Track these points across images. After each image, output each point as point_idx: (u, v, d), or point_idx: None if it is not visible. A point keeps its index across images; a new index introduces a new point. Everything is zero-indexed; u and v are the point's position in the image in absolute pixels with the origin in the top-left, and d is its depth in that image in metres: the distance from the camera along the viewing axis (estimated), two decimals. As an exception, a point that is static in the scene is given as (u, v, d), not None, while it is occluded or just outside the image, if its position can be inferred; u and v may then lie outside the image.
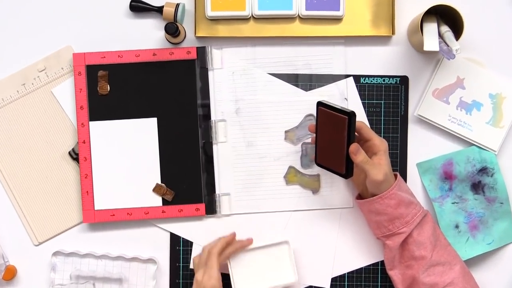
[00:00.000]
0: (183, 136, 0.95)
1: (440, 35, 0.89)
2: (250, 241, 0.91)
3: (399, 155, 0.97)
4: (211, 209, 0.95)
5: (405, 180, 0.97)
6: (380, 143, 0.86)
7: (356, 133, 0.87)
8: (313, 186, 0.96)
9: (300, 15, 0.94)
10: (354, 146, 0.85)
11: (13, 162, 0.96)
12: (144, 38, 0.96)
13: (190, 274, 0.95)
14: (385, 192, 0.85)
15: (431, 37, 0.87)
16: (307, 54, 0.95)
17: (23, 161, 0.96)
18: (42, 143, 0.96)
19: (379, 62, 0.97)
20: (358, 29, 0.94)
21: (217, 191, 0.96)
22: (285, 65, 0.96)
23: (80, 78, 0.95)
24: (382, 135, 0.97)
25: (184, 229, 0.96)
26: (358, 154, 0.85)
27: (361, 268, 0.94)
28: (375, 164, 0.85)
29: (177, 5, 0.93)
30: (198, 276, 0.86)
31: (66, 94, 0.96)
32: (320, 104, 0.85)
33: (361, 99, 0.96)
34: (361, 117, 0.96)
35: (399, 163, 0.97)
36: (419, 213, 0.87)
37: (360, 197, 0.91)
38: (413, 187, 0.95)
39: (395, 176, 0.88)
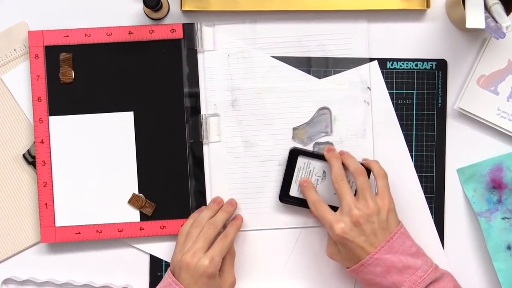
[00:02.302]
0: (166, 134, 0.93)
1: (487, 9, 0.87)
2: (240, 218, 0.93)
3: (435, 159, 0.94)
4: (201, 226, 0.93)
5: (443, 190, 0.94)
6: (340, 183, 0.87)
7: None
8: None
9: (312, -17, 0.91)
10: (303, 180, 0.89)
11: (-47, 167, 0.94)
12: (118, 12, 0.94)
13: (175, 307, 0.92)
14: (367, 258, 0.82)
15: (475, 11, 0.85)
16: (321, 32, 0.93)
17: (-34, 165, 0.94)
18: (-10, 143, 0.94)
19: (411, 42, 0.95)
20: (384, 1, 0.93)
21: (208, 202, 0.93)
22: (293, 46, 0.94)
23: (38, 62, 0.92)
24: (413, 133, 0.93)
25: (167, 251, 0.94)
26: (306, 190, 0.88)
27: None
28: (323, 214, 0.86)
29: (159, -30, 0.90)
30: (188, 257, 0.85)
31: (19, 82, 0.95)
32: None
33: (388, 88, 0.94)
34: (388, 111, 0.93)
35: (435, 169, 0.94)
36: (422, 279, 0.82)
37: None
38: (453, 198, 0.94)
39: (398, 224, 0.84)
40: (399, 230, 0.84)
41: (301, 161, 0.90)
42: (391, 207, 0.84)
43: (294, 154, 0.90)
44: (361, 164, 0.87)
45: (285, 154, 0.92)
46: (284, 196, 0.91)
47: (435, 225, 0.93)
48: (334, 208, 0.86)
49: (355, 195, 0.86)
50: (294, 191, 0.91)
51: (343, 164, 0.87)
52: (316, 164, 0.90)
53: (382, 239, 0.83)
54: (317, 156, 0.90)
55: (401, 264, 0.82)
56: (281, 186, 0.91)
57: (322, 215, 0.85)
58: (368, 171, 0.87)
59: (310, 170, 0.90)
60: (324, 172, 0.90)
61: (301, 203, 0.90)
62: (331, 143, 0.92)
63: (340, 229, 0.83)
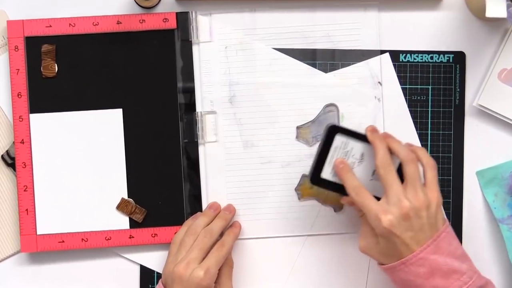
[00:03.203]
0: (159, 133, 0.93)
1: (510, -4, 0.85)
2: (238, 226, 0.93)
3: (452, 160, 0.93)
4: (196, 233, 0.93)
5: (461, 195, 0.93)
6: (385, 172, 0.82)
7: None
8: (336, 201, 0.94)
9: (317, -32, 0.91)
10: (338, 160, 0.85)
11: None
12: (105, 0, 0.94)
13: (168, 322, 0.93)
14: (410, 256, 0.79)
15: (496, -1, 0.84)
16: (328, 22, 0.93)
17: None
18: (-35, 143, 0.93)
19: (425, 33, 0.94)
20: (397, -12, 0.92)
21: (204, 208, 0.93)
22: (297, 37, 0.93)
23: (17, 54, 0.92)
24: (429, 132, 0.93)
25: (159, 261, 0.94)
26: (344, 173, 0.84)
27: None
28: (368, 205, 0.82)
29: (150, -46, 0.90)
30: (181, 268, 0.84)
31: (-3, 77, 0.95)
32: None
33: (401, 83, 0.94)
34: (401, 108, 0.93)
35: (452, 171, 0.93)
36: (467, 286, 0.79)
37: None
38: (472, 204, 0.93)
39: (443, 222, 0.82)
40: (446, 228, 0.81)
41: (338, 139, 0.85)
42: (440, 202, 0.81)
43: (332, 131, 0.86)
44: None
45: (288, 155, 0.92)
46: (317, 178, 0.86)
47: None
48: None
49: None
50: (326, 173, 0.86)
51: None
52: (355, 145, 0.85)
53: (429, 236, 0.80)
54: (358, 135, 0.86)
55: (446, 267, 0.79)
56: (313, 165, 0.86)
57: (365, 204, 0.81)
58: None
59: (348, 151, 0.85)
60: (362, 154, 0.85)
61: (333, 187, 0.86)
62: None
63: (388, 222, 0.79)
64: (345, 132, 0.86)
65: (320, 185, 0.87)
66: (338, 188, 0.85)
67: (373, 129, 0.84)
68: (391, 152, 0.83)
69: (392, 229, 0.79)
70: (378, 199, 0.81)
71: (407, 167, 0.81)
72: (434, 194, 0.81)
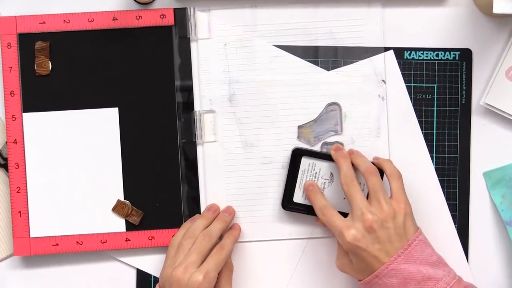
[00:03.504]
0: (156, 133, 0.93)
1: (518, -9, 0.83)
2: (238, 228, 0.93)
3: (459, 161, 0.93)
4: (194, 236, 0.93)
5: (467, 197, 0.93)
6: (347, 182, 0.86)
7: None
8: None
9: (320, -38, 0.90)
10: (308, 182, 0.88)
11: None
12: None
13: (165, 328, 0.92)
14: (382, 268, 0.80)
15: (504, -6, 0.82)
16: (330, 18, 0.93)
17: None
18: (-44, 143, 0.92)
19: (431, 29, 0.94)
20: (402, -17, 0.91)
21: (202, 210, 0.93)
22: (299, 34, 0.93)
23: (10, 52, 0.92)
24: (434, 132, 0.93)
25: (156, 265, 0.93)
26: (312, 195, 0.87)
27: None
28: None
29: None
30: (179, 272, 0.83)
31: (-11, 75, 0.94)
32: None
33: (405, 81, 0.93)
34: (405, 107, 0.93)
35: (458, 173, 0.93)
36: None
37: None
38: (479, 206, 0.93)
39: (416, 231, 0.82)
40: (417, 237, 0.82)
41: (305, 162, 0.88)
42: (408, 211, 0.82)
43: (296, 155, 0.88)
44: (372, 163, 0.85)
45: (288, 156, 0.91)
46: (288, 203, 0.88)
47: (459, 235, 0.92)
48: (345, 215, 0.83)
49: (367, 198, 0.83)
50: (298, 197, 0.88)
51: (352, 164, 0.85)
52: (322, 165, 0.88)
53: (398, 247, 0.81)
54: (323, 156, 0.88)
55: (420, 275, 0.79)
56: (283, 191, 0.89)
57: (330, 221, 0.83)
58: (381, 172, 0.85)
59: (316, 173, 0.88)
60: (331, 174, 0.88)
61: (307, 210, 0.88)
62: (341, 143, 0.90)
63: (352, 236, 0.80)
64: (310, 154, 0.89)
65: (293, 209, 0.90)
66: (311, 211, 0.87)
67: (337, 148, 0.87)
68: (355, 168, 0.85)
69: (357, 243, 0.80)
70: None
71: (368, 180, 0.83)
72: (400, 204, 0.82)
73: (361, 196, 0.82)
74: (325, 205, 0.84)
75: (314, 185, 0.86)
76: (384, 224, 0.80)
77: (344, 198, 0.86)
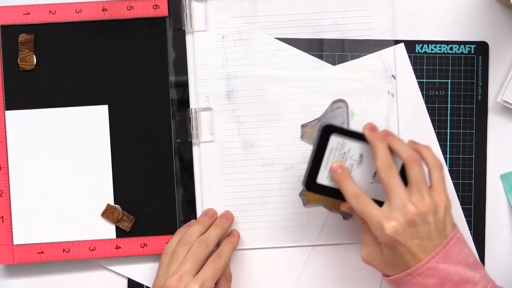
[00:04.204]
0: (148, 132, 0.92)
1: (538, -20, 0.83)
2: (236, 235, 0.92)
3: (474, 162, 0.92)
4: (190, 243, 0.93)
5: (484, 201, 0.92)
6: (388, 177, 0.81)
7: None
8: (345, 207, 0.94)
9: None
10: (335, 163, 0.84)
11: None
12: None
13: None
14: (417, 266, 0.78)
15: (523, -17, 0.81)
16: (336, 8, 0.92)
17: None
18: None
19: (445, 21, 0.93)
20: (413, -29, 0.92)
21: (198, 215, 0.92)
22: (303, 25, 0.92)
23: None
24: (448, 131, 0.92)
25: (148, 274, 0.93)
26: (342, 179, 0.83)
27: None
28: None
29: None
30: (173, 282, 0.82)
31: (-32, 70, 0.95)
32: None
33: (417, 77, 0.92)
34: (417, 104, 0.92)
35: (474, 174, 0.92)
36: None
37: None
38: (496, 210, 0.92)
39: (453, 229, 0.80)
40: (456, 234, 0.79)
41: (334, 140, 0.84)
42: (448, 205, 0.80)
43: (326, 132, 0.84)
44: None
45: (292, 157, 0.90)
46: (312, 183, 0.85)
47: (474, 241, 0.91)
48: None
49: None
50: (323, 178, 0.84)
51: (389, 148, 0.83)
52: (352, 145, 0.84)
53: (437, 243, 0.78)
54: (354, 135, 0.84)
55: (458, 277, 0.77)
56: (307, 170, 0.85)
57: (366, 211, 0.79)
58: None
59: (345, 152, 0.84)
60: (361, 155, 0.84)
61: (331, 193, 0.84)
62: None
63: (392, 228, 0.77)
64: (341, 132, 0.85)
65: (316, 191, 0.87)
66: (337, 194, 0.84)
67: (372, 127, 0.83)
68: (392, 152, 0.82)
69: (397, 237, 0.77)
70: (381, 203, 0.80)
71: (411, 169, 0.80)
72: (441, 197, 0.80)
73: (401, 185, 0.79)
74: (358, 192, 0.81)
75: (343, 167, 0.83)
76: (426, 218, 0.78)
77: (372, 183, 0.83)
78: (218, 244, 0.88)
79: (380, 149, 0.80)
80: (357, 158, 0.84)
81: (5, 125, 0.90)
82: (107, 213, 0.90)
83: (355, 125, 0.90)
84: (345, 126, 0.90)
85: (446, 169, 0.89)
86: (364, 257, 0.82)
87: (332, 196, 0.84)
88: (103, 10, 0.89)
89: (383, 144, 0.81)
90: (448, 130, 0.92)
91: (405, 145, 0.82)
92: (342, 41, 0.92)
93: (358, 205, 0.80)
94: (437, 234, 0.79)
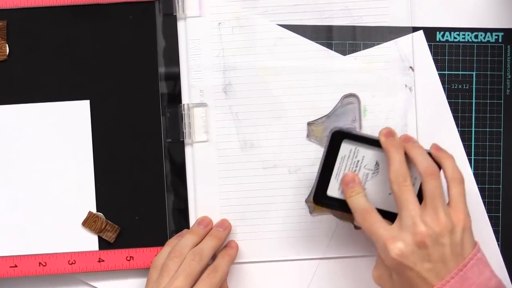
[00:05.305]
0: (135, 131, 0.90)
1: None
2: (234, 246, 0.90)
3: (502, 165, 0.90)
4: (182, 256, 0.92)
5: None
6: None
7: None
8: (356, 216, 0.92)
9: None
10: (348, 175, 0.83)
11: None
12: None
13: None
14: None
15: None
16: None
17: None
18: None
19: (469, 5, 0.90)
20: (434, -51, 0.91)
21: (192, 224, 0.90)
22: (309, 11, 0.90)
23: None
24: (473, 129, 0.90)
25: None
26: (351, 193, 0.82)
27: None
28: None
29: None
30: None
31: None
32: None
33: (438, 68, 0.90)
34: (438, 99, 0.90)
35: (502, 179, 0.90)
36: None
37: None
38: None
39: (474, 245, 0.78)
40: (475, 255, 0.77)
41: (346, 147, 0.82)
42: (468, 225, 0.77)
43: (336, 138, 0.82)
44: (429, 155, 0.80)
45: (297, 159, 0.88)
46: (322, 197, 0.83)
47: (502, 254, 0.89)
48: (392, 216, 0.78)
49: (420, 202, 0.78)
50: (334, 190, 0.82)
51: (406, 156, 0.80)
52: (366, 153, 0.82)
53: (452, 267, 0.76)
54: (369, 141, 0.82)
55: None
56: (316, 181, 0.83)
57: (372, 230, 0.78)
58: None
59: (358, 161, 0.82)
60: (377, 163, 0.82)
61: (341, 207, 0.82)
62: None
63: (398, 251, 0.75)
64: (354, 138, 0.84)
65: (327, 205, 0.86)
66: (347, 207, 0.82)
67: (388, 133, 0.81)
68: (408, 160, 0.80)
69: (403, 261, 0.75)
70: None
71: (426, 183, 0.78)
72: (459, 216, 0.77)
73: (414, 200, 0.77)
74: (367, 208, 0.79)
75: (356, 181, 0.81)
76: (439, 239, 0.75)
77: (391, 194, 0.81)
78: (213, 257, 0.87)
79: (395, 158, 0.79)
80: (372, 167, 0.82)
81: (-26, 123, 0.87)
82: (89, 222, 0.89)
83: (368, 123, 0.89)
84: (356, 124, 0.89)
85: (472, 183, 0.87)
86: (375, 279, 0.82)
87: (345, 210, 0.82)
88: (85, -6, 0.86)
89: (399, 153, 0.79)
90: (473, 129, 0.90)
91: (423, 154, 0.80)
92: (353, 28, 0.90)
93: (365, 223, 0.79)
94: (453, 257, 0.77)
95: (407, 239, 0.76)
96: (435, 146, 0.83)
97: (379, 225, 0.78)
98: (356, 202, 0.80)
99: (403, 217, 0.78)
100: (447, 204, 0.80)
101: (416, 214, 0.77)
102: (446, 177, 0.80)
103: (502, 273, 0.89)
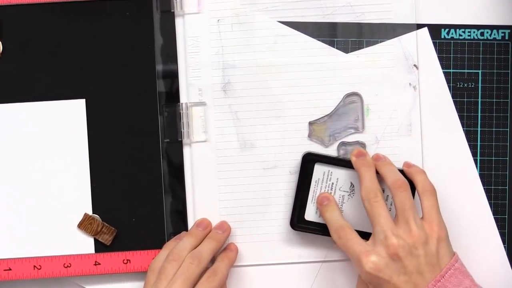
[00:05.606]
0: (132, 131, 0.89)
1: None
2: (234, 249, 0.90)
3: (508, 164, 0.89)
4: (180, 259, 0.91)
5: None
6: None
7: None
8: (359, 219, 0.92)
9: None
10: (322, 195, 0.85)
11: None
12: None
13: None
14: None
15: None
16: None
17: None
18: None
19: (474, 2, 0.90)
20: None
21: (190, 227, 0.89)
22: (310, 7, 0.90)
23: None
24: (478, 129, 0.90)
25: None
26: (325, 211, 0.83)
27: None
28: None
29: None
30: None
31: None
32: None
33: (442, 66, 0.89)
34: (443, 98, 0.90)
35: (508, 179, 0.89)
36: None
37: None
38: None
39: (453, 256, 0.80)
40: (452, 265, 0.77)
41: (319, 170, 0.84)
42: (442, 235, 0.78)
43: (308, 161, 0.84)
44: (402, 172, 0.81)
45: (298, 159, 0.86)
46: (298, 222, 0.84)
47: (509, 256, 0.89)
48: (369, 236, 0.78)
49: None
50: (311, 214, 0.84)
51: (377, 173, 0.80)
52: (340, 174, 0.83)
53: (429, 278, 0.76)
54: (341, 162, 0.84)
55: None
56: (292, 207, 0.84)
57: (347, 246, 0.79)
58: (412, 185, 0.81)
59: (333, 183, 0.83)
60: (351, 184, 0.83)
61: (321, 230, 0.83)
62: (362, 144, 0.88)
63: (371, 264, 0.76)
64: (326, 160, 0.86)
65: (304, 229, 0.87)
66: (327, 231, 0.84)
67: (359, 153, 0.85)
68: (380, 178, 0.85)
69: (378, 274, 0.76)
70: None
71: (396, 196, 0.80)
72: (433, 227, 0.79)
73: (385, 215, 0.78)
74: (341, 225, 0.80)
75: (330, 199, 0.82)
76: (412, 251, 0.76)
77: None
78: (212, 260, 0.87)
79: (366, 176, 0.81)
80: (347, 189, 0.84)
81: (-34, 123, 0.86)
82: (85, 224, 0.88)
83: (371, 122, 0.88)
84: (359, 124, 0.88)
85: (478, 184, 0.86)
86: None
87: (325, 233, 0.83)
88: (79, -11, 0.85)
89: (369, 170, 0.82)
90: (479, 128, 0.90)
91: (393, 170, 0.82)
92: (356, 25, 0.89)
93: (341, 240, 0.81)
94: (429, 268, 0.78)
95: (381, 252, 0.78)
96: (406, 163, 0.85)
97: (355, 241, 0.80)
98: (331, 218, 0.83)
99: (376, 232, 0.79)
100: (420, 217, 0.79)
101: (388, 227, 0.79)
102: (417, 190, 0.83)
103: (508, 275, 0.89)
